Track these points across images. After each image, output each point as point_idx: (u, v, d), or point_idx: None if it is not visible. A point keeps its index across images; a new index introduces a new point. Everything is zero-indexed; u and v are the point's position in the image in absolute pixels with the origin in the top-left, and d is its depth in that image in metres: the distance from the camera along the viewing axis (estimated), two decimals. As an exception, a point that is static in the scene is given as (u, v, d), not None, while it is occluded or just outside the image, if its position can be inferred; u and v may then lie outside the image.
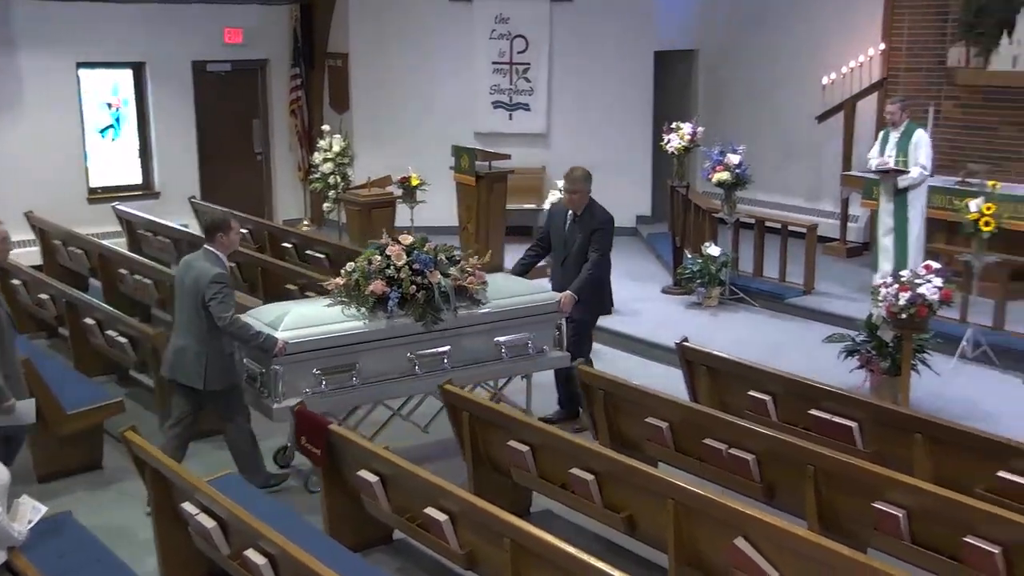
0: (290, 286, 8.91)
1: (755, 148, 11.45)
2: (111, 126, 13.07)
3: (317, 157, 12.30)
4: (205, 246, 6.31)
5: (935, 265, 7.30)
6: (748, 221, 11.00)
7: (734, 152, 10.29)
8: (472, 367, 6.87)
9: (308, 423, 5.86)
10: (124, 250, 10.18)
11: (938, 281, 7.13)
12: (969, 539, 4.61)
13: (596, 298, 7.44)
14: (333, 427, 5.73)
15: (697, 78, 14.38)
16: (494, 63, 13.48)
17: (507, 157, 11.41)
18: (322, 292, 7.20)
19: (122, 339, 7.65)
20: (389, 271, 6.52)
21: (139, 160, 13.23)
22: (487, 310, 6.86)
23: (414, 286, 6.52)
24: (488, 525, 4.81)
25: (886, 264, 9.81)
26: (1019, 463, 5.30)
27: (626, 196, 13.22)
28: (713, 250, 10.37)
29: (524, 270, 7.64)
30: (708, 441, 5.81)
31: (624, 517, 5.32)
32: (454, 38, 13.41)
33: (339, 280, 6.67)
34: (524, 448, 5.77)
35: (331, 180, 12.21)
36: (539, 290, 7.29)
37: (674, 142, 10.78)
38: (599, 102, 13.38)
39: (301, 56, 13.92)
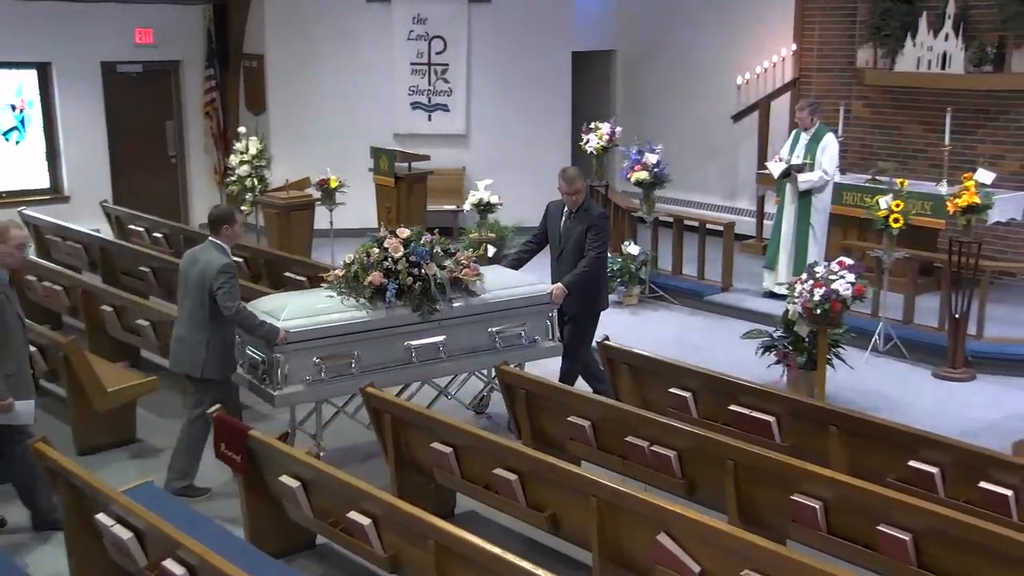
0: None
1: (673, 148, 11.60)
2: (15, 128, 12.71)
3: (233, 160, 12.12)
4: (210, 238, 6.45)
5: (848, 261, 7.47)
6: (667, 220, 11.13)
7: (652, 152, 10.41)
8: (467, 357, 7.06)
9: (227, 430, 5.77)
10: (32, 256, 9.90)
11: (851, 277, 7.30)
12: (882, 527, 4.72)
13: (590, 295, 7.42)
14: (253, 433, 5.64)
15: (615, 78, 14.51)
16: (412, 64, 13.42)
17: (426, 158, 11.38)
18: (316, 284, 7.47)
19: (31, 348, 7.43)
20: (387, 263, 6.73)
21: (46, 163, 12.89)
22: (482, 301, 7.03)
23: (411, 278, 6.72)
24: (412, 527, 4.78)
25: (783, 264, 10.06)
26: (928, 453, 5.44)
27: (545, 196, 13.20)
28: (633, 249, 10.47)
29: (518, 264, 7.71)
30: (630, 439, 5.85)
31: (548, 516, 5.33)
32: (372, 39, 13.32)
33: (338, 272, 6.90)
34: (447, 449, 5.75)
35: (248, 183, 12.04)
36: (530, 282, 7.38)
37: (593, 142, 10.86)
38: (518, 102, 13.42)
39: (215, 57, 13.70)
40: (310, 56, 13.38)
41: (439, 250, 6.93)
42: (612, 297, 10.60)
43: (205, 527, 5.14)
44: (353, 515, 5.04)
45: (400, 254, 6.74)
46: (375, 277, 6.68)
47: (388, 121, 13.35)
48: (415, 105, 13.52)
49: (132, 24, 13.07)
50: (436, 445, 5.79)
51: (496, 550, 4.36)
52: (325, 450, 6.78)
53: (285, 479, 5.43)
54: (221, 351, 6.40)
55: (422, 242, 6.85)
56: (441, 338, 6.91)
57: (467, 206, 10.42)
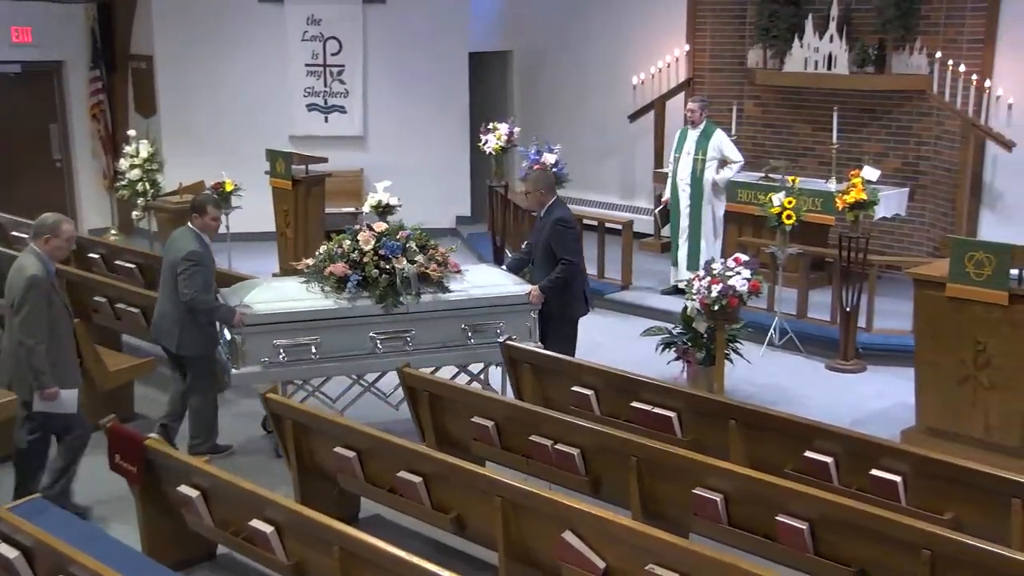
0: (99, 298, 8.51)
1: (571, 147, 11.69)
2: None
3: (123, 164, 11.79)
4: (188, 224, 6.93)
5: (743, 257, 7.62)
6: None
7: (550, 152, 10.47)
8: (436, 351, 7.14)
9: (122, 440, 5.60)
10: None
11: (747, 273, 7.45)
12: (780, 517, 4.82)
13: (561, 300, 7.36)
14: (149, 442, 5.49)
15: (512, 79, 14.55)
16: (308, 65, 13.25)
17: (324, 160, 11.24)
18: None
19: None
20: (354, 255, 6.98)
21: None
22: (454, 297, 7.13)
23: (377, 270, 6.93)
24: (315, 534, 4.72)
25: (684, 261, 10.27)
26: (823, 443, 5.58)
27: (445, 197, 13.27)
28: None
29: (519, 267, 7.75)
30: (534, 438, 5.87)
31: (453, 517, 5.32)
32: (265, 39, 13.10)
33: (310, 261, 7.19)
34: (350, 454, 5.69)
35: (139, 187, 11.73)
36: (509, 282, 7.41)
37: (491, 142, 10.88)
38: (416, 103, 13.36)
39: (101, 58, 13.29)
40: (201, 57, 13.09)
41: (414, 245, 7.10)
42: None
43: (99, 541, 4.98)
44: (255, 523, 4.95)
45: (370, 247, 6.97)
46: (338, 267, 6.94)
47: (284, 123, 13.15)
48: (311, 107, 13.34)
49: (8, 23, 12.58)
50: (339, 449, 5.73)
51: (401, 553, 4.33)
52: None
53: (184, 489, 5.31)
54: (195, 330, 6.81)
55: (398, 237, 7.06)
56: (410, 331, 7.04)
57: (366, 208, 10.31)
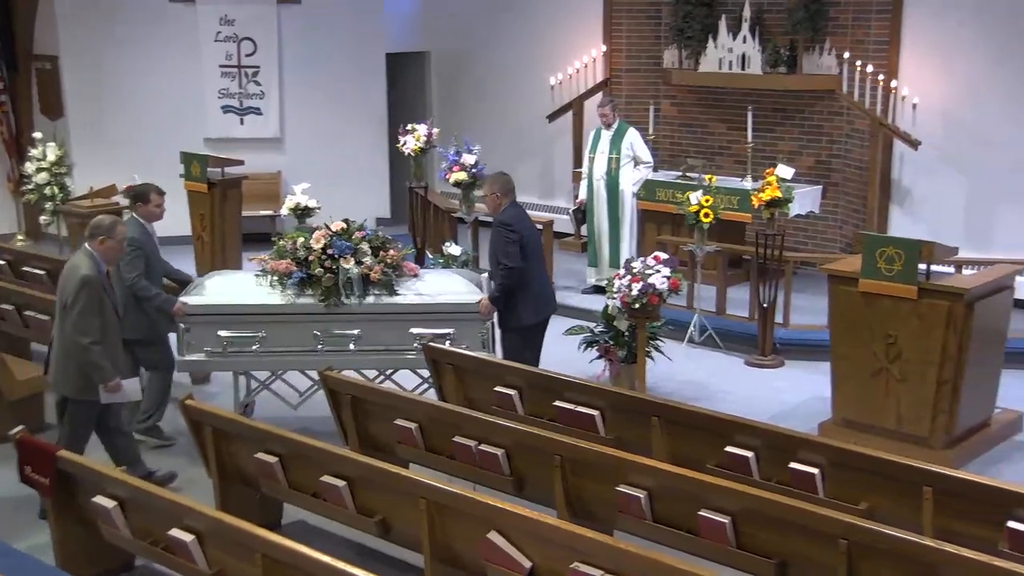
0: (5, 306, 8.26)
1: (490, 147, 11.67)
2: None
3: (29, 167, 11.47)
4: (132, 214, 7.20)
5: (663, 256, 7.70)
6: (486, 219, 11.18)
7: (469, 152, 10.44)
8: (380, 353, 7.17)
9: (33, 452, 5.45)
10: None
11: (666, 271, 7.53)
12: (703, 512, 4.89)
13: (509, 307, 7.22)
14: (62, 453, 5.35)
15: (430, 79, 14.51)
16: (222, 66, 13.03)
17: (240, 163, 11.06)
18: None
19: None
20: (301, 253, 7.07)
21: None
22: (401, 301, 7.12)
23: (321, 268, 7.01)
24: (238, 541, 4.65)
25: (604, 260, 10.36)
26: (743, 438, 5.67)
27: (364, 198, 13.14)
28: (454, 249, 10.47)
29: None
30: (458, 438, 5.86)
31: (378, 521, 5.29)
32: (177, 40, 12.84)
33: (264, 256, 7.34)
34: (272, 459, 5.62)
35: (47, 191, 11.41)
36: (462, 290, 7.27)
37: (410, 144, 10.81)
38: (333, 104, 13.23)
39: (1, 58, 12.88)
40: (111, 58, 12.78)
41: (366, 247, 7.13)
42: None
43: (9, 556, 4.83)
44: (175, 532, 4.85)
45: (320, 245, 7.06)
46: (280, 264, 7.08)
47: (198, 125, 12.91)
48: (226, 108, 13.13)
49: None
50: (261, 455, 5.65)
51: (326, 559, 4.30)
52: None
53: (100, 499, 5.19)
54: (140, 315, 7.01)
55: (353, 237, 7.11)
56: (355, 331, 7.06)
57: (284, 211, 10.17)
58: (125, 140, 12.67)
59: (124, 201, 10.92)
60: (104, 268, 6.16)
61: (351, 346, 7.09)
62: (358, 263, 7.08)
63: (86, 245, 6.15)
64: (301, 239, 7.17)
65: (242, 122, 13.15)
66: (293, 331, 7.06)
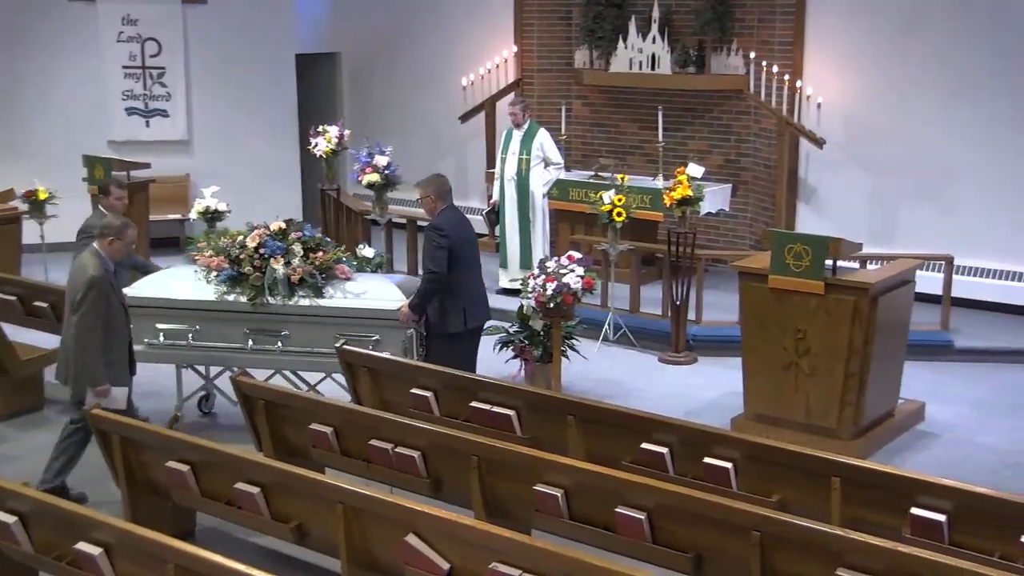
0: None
1: (403, 149, 11.63)
2: None
3: (-77, 171, 11.05)
4: (99, 206, 7.51)
5: (576, 255, 7.75)
6: (400, 221, 11.15)
7: (382, 153, 10.38)
8: (305, 355, 7.21)
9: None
10: None
11: (580, 270, 7.57)
12: (620, 509, 4.92)
13: (436, 314, 7.11)
14: (-39, 468, 5.17)
15: (342, 81, 14.39)
16: (125, 67, 12.73)
17: (147, 166, 10.86)
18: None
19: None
20: (233, 250, 7.16)
21: None
22: (325, 303, 7.14)
23: (251, 267, 7.09)
24: (148, 552, 4.54)
25: (515, 260, 10.39)
26: (658, 434, 5.73)
27: (275, 200, 12.93)
28: (367, 252, 10.39)
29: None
30: (374, 442, 5.81)
31: (294, 527, 5.21)
32: (77, 40, 12.51)
33: (208, 251, 7.40)
34: (184, 467, 5.50)
35: (-58, 195, 10.99)
36: (386, 296, 7.18)
37: (321, 145, 10.71)
38: (242, 106, 13.03)
39: None
40: (7, 58, 12.39)
41: (298, 248, 7.19)
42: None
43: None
44: (81, 546, 4.72)
45: (254, 244, 7.14)
46: (208, 259, 7.23)
47: (102, 128, 12.59)
48: (131, 111, 12.83)
49: None
50: (172, 464, 5.53)
51: (241, 567, 4.22)
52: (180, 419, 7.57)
53: None
54: None
55: (289, 238, 7.19)
56: (283, 332, 7.14)
57: (193, 215, 9.99)
58: (22, 143, 12.32)
59: (23, 206, 10.63)
60: (111, 266, 6.28)
61: (278, 345, 7.15)
62: (287, 264, 7.10)
63: (94, 244, 6.27)
64: (240, 236, 7.27)
65: (148, 124, 12.87)
66: (224, 327, 7.18)
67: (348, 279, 7.28)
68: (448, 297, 7.10)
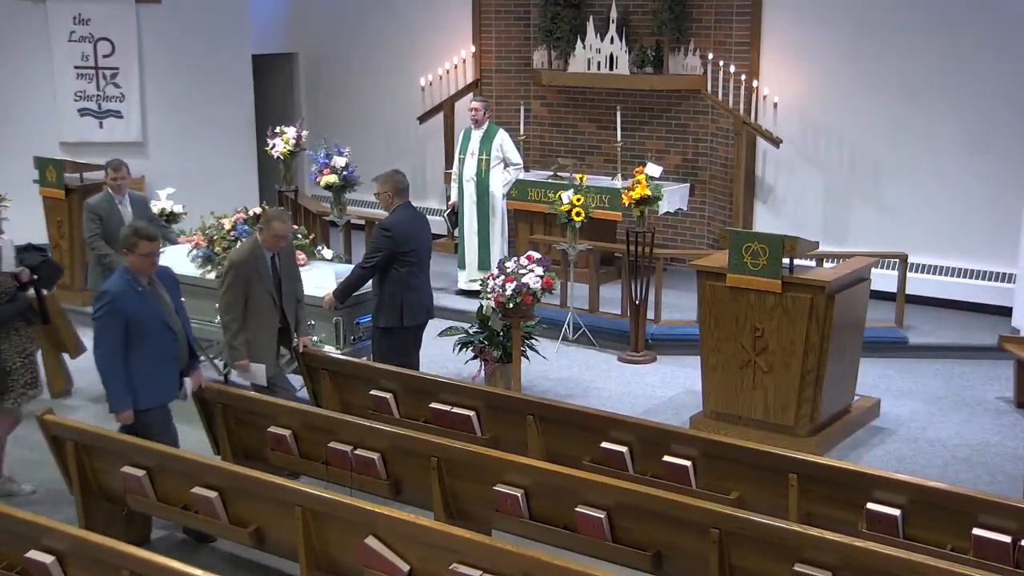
0: None
1: (362, 149, 11.59)
2: None
3: None
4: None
5: (536, 255, 7.75)
6: (358, 222, 11.10)
7: (340, 154, 10.33)
8: None
9: None
10: None
11: (539, 270, 7.58)
12: (580, 508, 4.93)
13: (378, 309, 7.20)
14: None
15: (299, 81, 14.30)
16: (77, 68, 12.53)
17: (99, 168, 10.68)
18: None
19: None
20: (211, 231, 7.66)
21: None
22: None
23: (220, 248, 7.55)
24: (103, 559, 4.49)
25: (473, 261, 10.37)
26: (617, 433, 5.75)
27: (233, 202, 12.76)
28: (326, 253, 10.33)
29: None
30: (333, 444, 5.78)
31: (252, 531, 5.17)
32: (26, 40, 12.28)
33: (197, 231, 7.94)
34: (140, 472, 5.44)
35: None
36: (317, 284, 7.37)
37: (279, 146, 10.65)
38: (198, 107, 12.89)
39: None
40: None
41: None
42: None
43: None
44: (33, 554, 4.65)
45: (229, 227, 7.60)
46: (192, 239, 7.73)
47: (53, 129, 12.39)
48: (84, 112, 12.64)
49: None
50: (127, 469, 5.47)
51: (198, 572, 4.18)
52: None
53: (-49, 523, 4.92)
54: None
55: (258, 224, 7.11)
56: None
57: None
58: (-27, 145, 12.09)
59: (-27, 208, 10.43)
60: (265, 254, 6.53)
61: None
62: None
63: (254, 231, 6.74)
64: (225, 219, 7.68)
65: (101, 125, 12.67)
66: (200, 302, 7.51)
67: (302, 265, 7.44)
68: (388, 293, 7.18)
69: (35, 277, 6.40)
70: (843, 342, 7.24)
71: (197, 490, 5.24)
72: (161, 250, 6.24)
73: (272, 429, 6.00)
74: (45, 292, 6.72)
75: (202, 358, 8.12)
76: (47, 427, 5.74)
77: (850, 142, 10.62)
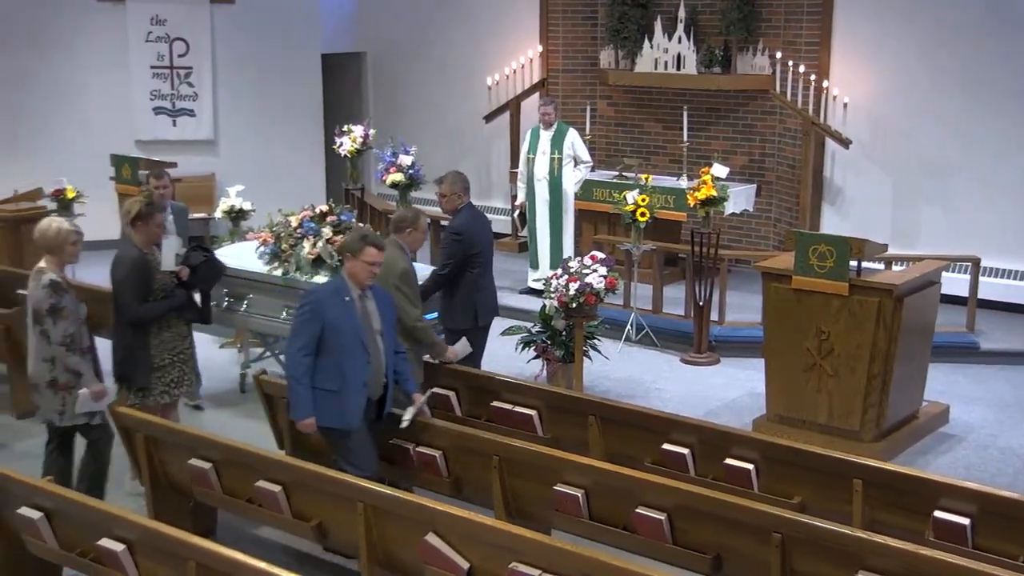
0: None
1: (427, 148, 11.66)
2: None
3: (-46, 170, 11.16)
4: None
5: (600, 255, 7.73)
6: (423, 221, 11.15)
7: (406, 153, 10.41)
8: None
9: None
10: None
11: (603, 270, 7.56)
12: (639, 509, 4.92)
13: (448, 311, 7.19)
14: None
15: (367, 80, 14.44)
16: (153, 67, 12.82)
17: (173, 165, 10.90)
18: None
19: None
20: (276, 229, 7.69)
21: None
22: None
23: (287, 245, 7.56)
24: (170, 550, 4.58)
25: (545, 260, 10.37)
26: (679, 435, 5.72)
27: (300, 201, 12.96)
28: (391, 251, 10.45)
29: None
30: (395, 441, 5.83)
31: (314, 525, 5.24)
32: (105, 40, 12.61)
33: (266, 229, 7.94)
34: (206, 465, 5.54)
35: (-30, 195, 11.10)
36: None
37: (346, 145, 10.75)
38: (268, 106, 13.10)
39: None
40: (35, 60, 12.49)
41: (327, 231, 7.51)
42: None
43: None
44: (105, 542, 4.76)
45: (296, 224, 7.62)
46: (260, 235, 7.79)
47: (130, 127, 12.69)
48: (158, 110, 12.93)
49: None
50: (194, 461, 5.57)
51: (261, 565, 4.25)
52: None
53: (25, 511, 5.07)
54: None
55: (326, 220, 7.56)
56: None
57: (218, 214, 10.06)
58: (51, 143, 12.42)
59: (51, 205, 10.73)
60: (411, 255, 6.61)
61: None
62: (313, 244, 7.43)
63: (394, 237, 6.47)
64: (292, 217, 7.72)
65: (175, 124, 12.96)
66: (268, 299, 7.64)
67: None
68: (460, 295, 7.17)
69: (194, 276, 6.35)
70: (911, 346, 7.12)
71: (261, 484, 5.32)
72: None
73: (336, 425, 6.06)
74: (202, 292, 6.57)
75: (267, 354, 8.31)
76: (119, 419, 5.87)
77: (921, 143, 10.42)
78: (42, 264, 5.89)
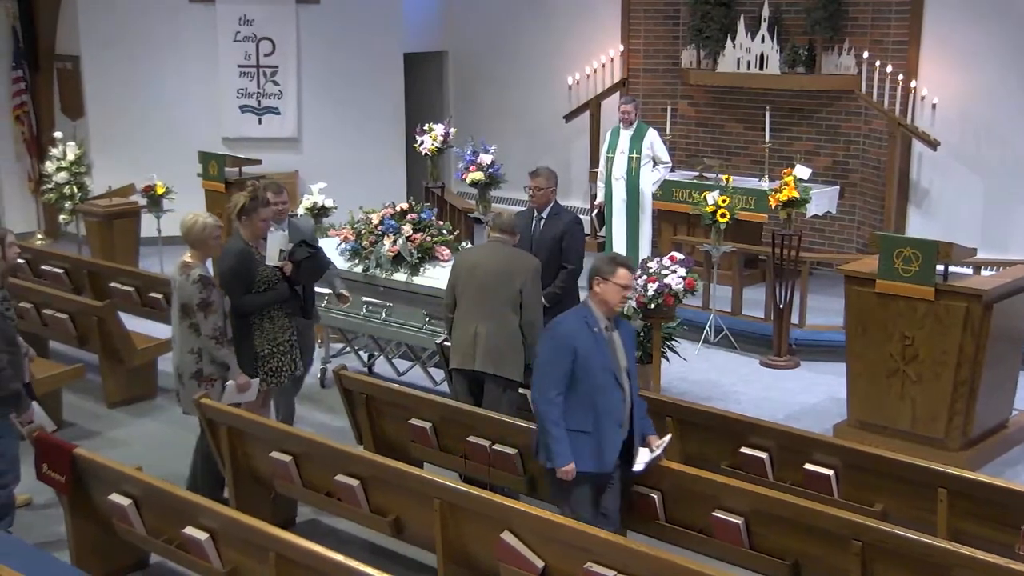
0: (24, 304, 8.32)
1: (507, 147, 11.70)
2: None
3: (49, 166, 11.52)
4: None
5: (679, 256, 7.68)
6: (502, 220, 11.18)
7: (486, 152, 10.46)
8: (400, 327, 7.71)
9: (50, 449, 5.49)
10: None
11: (682, 271, 7.51)
12: (716, 513, 4.88)
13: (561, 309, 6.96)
14: (79, 451, 5.39)
15: (448, 79, 14.53)
16: (240, 66, 13.08)
17: (258, 162, 11.12)
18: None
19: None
20: (359, 225, 7.86)
21: None
22: (417, 281, 7.56)
23: (367, 242, 7.71)
24: (251, 540, 4.67)
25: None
26: (757, 438, 5.66)
27: (381, 198, 13.13)
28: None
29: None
30: (472, 438, 5.86)
31: (391, 520, 5.29)
32: (196, 40, 12.90)
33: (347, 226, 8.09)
34: (287, 458, 5.63)
35: (66, 190, 11.47)
36: None
37: (427, 143, 10.83)
38: (350, 104, 13.26)
39: (23, 58, 12.95)
40: (130, 58, 12.84)
41: (407, 228, 7.62)
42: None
43: (25, 554, 4.87)
44: (189, 531, 4.88)
45: (377, 221, 7.74)
46: (341, 232, 7.96)
47: (216, 125, 12.96)
48: (244, 108, 13.18)
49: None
50: (275, 454, 5.67)
51: (339, 557, 4.31)
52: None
53: (115, 497, 5.22)
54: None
55: (407, 218, 7.67)
56: (388, 303, 7.69)
57: (301, 210, 10.21)
58: (143, 140, 12.73)
59: (142, 200, 11.01)
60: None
61: (383, 316, 7.73)
62: (394, 242, 7.57)
63: (504, 236, 6.33)
64: (374, 215, 7.84)
65: (260, 122, 13.19)
66: (354, 295, 7.56)
67: (445, 260, 7.53)
68: (573, 294, 7.12)
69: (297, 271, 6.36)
70: (1001, 353, 6.93)
71: (340, 478, 5.39)
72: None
73: (413, 421, 6.13)
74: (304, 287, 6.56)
75: (347, 350, 8.41)
76: (203, 411, 6.00)
77: (1013, 144, 10.14)
78: (187, 259, 6.01)
